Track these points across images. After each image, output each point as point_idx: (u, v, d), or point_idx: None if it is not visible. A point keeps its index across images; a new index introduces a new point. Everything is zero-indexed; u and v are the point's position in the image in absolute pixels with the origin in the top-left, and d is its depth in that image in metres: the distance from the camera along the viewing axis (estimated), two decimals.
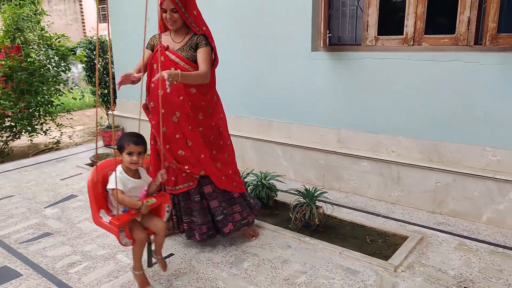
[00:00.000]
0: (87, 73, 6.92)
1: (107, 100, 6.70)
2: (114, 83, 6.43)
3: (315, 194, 3.18)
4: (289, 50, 4.08)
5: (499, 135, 3.12)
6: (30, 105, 5.75)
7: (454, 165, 3.33)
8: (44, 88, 6.02)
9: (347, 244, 2.93)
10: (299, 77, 4.08)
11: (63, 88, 6.77)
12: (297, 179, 4.23)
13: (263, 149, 4.46)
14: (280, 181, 3.77)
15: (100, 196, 2.31)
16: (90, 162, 5.04)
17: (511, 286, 2.40)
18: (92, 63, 6.51)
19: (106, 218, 2.26)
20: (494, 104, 3.10)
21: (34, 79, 5.85)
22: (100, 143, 6.11)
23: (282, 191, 3.84)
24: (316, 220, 3.05)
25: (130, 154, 2.27)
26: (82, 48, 7.06)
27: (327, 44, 3.86)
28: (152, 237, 2.46)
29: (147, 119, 2.91)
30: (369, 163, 3.75)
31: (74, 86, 7.89)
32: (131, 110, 6.02)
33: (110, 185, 2.25)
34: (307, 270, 2.62)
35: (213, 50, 2.74)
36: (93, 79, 6.46)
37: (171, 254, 2.84)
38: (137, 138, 2.30)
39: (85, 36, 16.51)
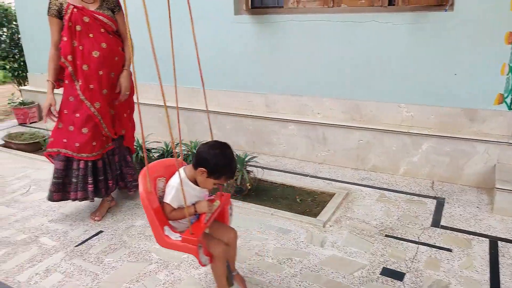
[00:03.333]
0: None
1: (18, 74, 6.06)
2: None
3: (246, 160, 3.20)
4: (211, 14, 3.95)
5: (411, 91, 3.34)
6: None
7: (374, 123, 3.53)
8: None
9: (278, 205, 3.02)
10: (222, 42, 4.00)
11: None
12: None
13: (192, 119, 4.37)
14: None
15: (160, 210, 1.80)
16: (3, 142, 4.58)
17: (425, 230, 2.65)
18: None
19: (174, 236, 1.77)
20: (406, 62, 3.30)
21: None
22: (14, 121, 5.57)
23: None
24: (248, 184, 3.09)
25: (216, 183, 1.82)
26: None
27: (250, 7, 3.79)
28: None
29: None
30: (296, 126, 3.84)
31: None
32: (45, 85, 5.51)
33: (167, 198, 1.80)
34: (241, 233, 2.65)
35: None
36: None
37: (100, 232, 2.72)
38: (235, 170, 1.83)
39: None
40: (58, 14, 2.62)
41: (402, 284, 2.14)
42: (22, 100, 5.58)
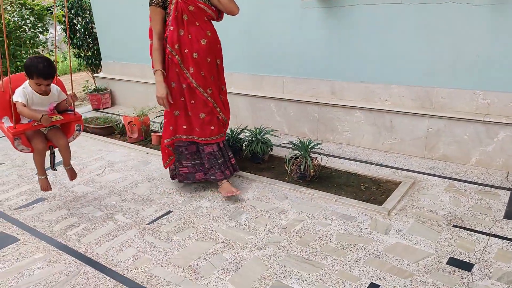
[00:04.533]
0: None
1: (92, 62, 6.49)
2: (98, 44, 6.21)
3: (310, 146, 3.20)
4: (280, 0, 3.94)
5: (489, 77, 3.12)
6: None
7: (445, 111, 3.36)
8: (22, 51, 5.79)
9: (342, 192, 3.00)
10: (290, 28, 3.98)
11: (42, 51, 6.52)
12: (292, 134, 4.25)
13: (256, 105, 4.43)
14: (275, 136, 3.78)
15: (5, 104, 2.62)
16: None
17: (497, 222, 2.51)
18: (71, 23, 6.23)
19: (7, 124, 2.59)
20: (485, 46, 3.08)
21: (11, 42, 5.60)
22: (89, 107, 6.00)
23: (277, 145, 3.86)
24: (312, 171, 3.10)
25: (38, 84, 2.52)
26: (59, 7, 6.72)
27: None
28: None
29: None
30: (362, 113, 3.76)
31: (54, 48, 7.60)
32: (117, 72, 5.88)
33: (14, 97, 2.52)
34: (304, 218, 2.69)
35: None
36: (74, 41, 6.20)
37: (169, 212, 2.89)
38: (48, 72, 2.50)
39: None
40: (162, 4, 2.74)
41: (470, 274, 2.07)
42: (96, 87, 5.99)
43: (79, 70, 7.13)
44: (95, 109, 5.87)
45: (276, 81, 4.27)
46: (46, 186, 2.89)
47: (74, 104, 2.84)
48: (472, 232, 2.42)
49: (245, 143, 3.56)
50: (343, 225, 2.59)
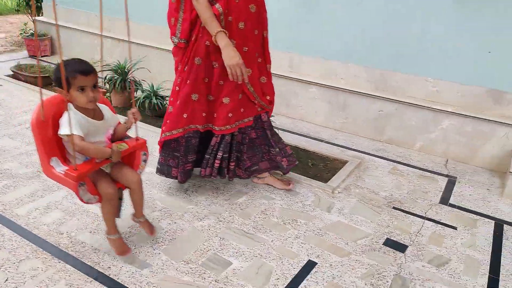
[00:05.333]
0: None
1: (29, 3, 5.84)
2: None
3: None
4: None
5: (440, 66, 3.16)
6: None
7: (398, 95, 3.39)
8: None
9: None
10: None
11: None
12: None
13: None
14: None
15: (50, 140, 1.73)
16: (12, 73, 4.49)
17: (433, 206, 2.60)
18: None
19: (59, 168, 1.72)
20: (440, 35, 3.09)
21: None
22: (25, 53, 5.45)
23: None
24: None
25: (82, 89, 1.66)
26: None
27: None
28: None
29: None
30: (318, 90, 3.70)
31: None
32: (61, 17, 5.33)
33: (63, 130, 1.64)
34: (248, 191, 2.61)
35: None
36: None
37: None
38: (85, 66, 1.69)
39: None
40: None
41: (403, 256, 2.12)
42: (34, 31, 5.41)
43: (17, 11, 6.40)
44: (31, 56, 5.34)
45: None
46: (123, 248, 1.93)
47: (136, 125, 1.93)
48: (410, 215, 2.49)
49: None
50: (287, 200, 2.54)
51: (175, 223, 2.24)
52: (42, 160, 1.76)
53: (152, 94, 3.64)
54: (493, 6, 2.85)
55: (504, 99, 3.01)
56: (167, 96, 3.63)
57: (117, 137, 1.87)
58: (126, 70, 3.78)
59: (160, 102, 3.64)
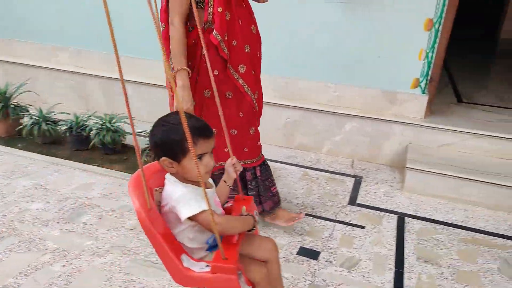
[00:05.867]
0: None
1: None
2: None
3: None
4: None
5: (338, 70, 3.30)
6: None
7: (302, 102, 3.46)
8: None
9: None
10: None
11: None
12: (152, 120, 3.90)
13: (112, 89, 3.96)
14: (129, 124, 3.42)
15: (166, 232, 1.24)
16: None
17: (342, 208, 2.67)
18: None
19: (198, 266, 1.25)
20: (335, 40, 3.24)
21: None
22: None
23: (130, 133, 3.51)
24: None
25: (199, 158, 1.23)
26: None
27: None
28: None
29: None
30: None
31: None
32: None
33: (190, 208, 1.18)
34: None
35: None
36: None
37: None
38: (203, 124, 1.28)
39: None
40: None
41: (316, 263, 2.13)
42: None
43: None
44: None
45: (133, 62, 3.87)
46: None
47: (238, 178, 1.47)
48: (321, 220, 2.52)
49: (92, 131, 3.14)
50: None
51: (70, 264, 2.01)
52: (171, 265, 1.23)
53: (41, 120, 3.30)
54: (379, 17, 3.05)
55: (396, 99, 3.22)
56: (61, 120, 3.33)
57: (223, 200, 1.44)
58: (6, 95, 3.40)
59: (52, 128, 3.30)
